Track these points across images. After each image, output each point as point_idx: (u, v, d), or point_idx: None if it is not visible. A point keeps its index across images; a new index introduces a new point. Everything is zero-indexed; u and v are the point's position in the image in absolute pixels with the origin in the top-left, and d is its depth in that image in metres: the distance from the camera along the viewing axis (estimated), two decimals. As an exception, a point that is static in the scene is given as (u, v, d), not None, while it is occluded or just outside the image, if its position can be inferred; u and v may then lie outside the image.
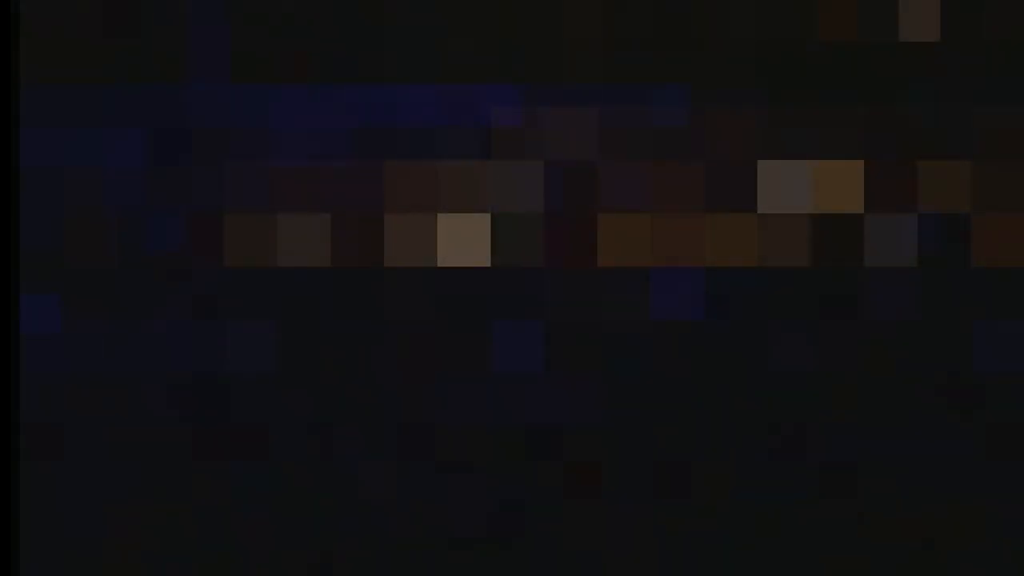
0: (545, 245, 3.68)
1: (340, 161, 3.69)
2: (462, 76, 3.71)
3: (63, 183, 3.69)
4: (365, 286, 3.68)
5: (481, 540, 3.65)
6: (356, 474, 3.66)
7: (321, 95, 3.70)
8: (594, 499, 3.66)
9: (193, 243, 3.68)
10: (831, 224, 3.67)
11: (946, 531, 3.64)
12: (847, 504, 3.64)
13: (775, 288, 3.67)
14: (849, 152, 3.68)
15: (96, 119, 3.69)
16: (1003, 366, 3.64)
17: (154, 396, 3.67)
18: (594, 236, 3.68)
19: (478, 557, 3.64)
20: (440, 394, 3.67)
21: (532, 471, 3.66)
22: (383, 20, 3.72)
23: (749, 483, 3.64)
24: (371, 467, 3.66)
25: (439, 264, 3.68)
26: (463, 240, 3.68)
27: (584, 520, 3.65)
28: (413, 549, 3.66)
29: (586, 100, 3.69)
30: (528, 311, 3.67)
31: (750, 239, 3.67)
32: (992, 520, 3.64)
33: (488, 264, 3.68)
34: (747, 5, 3.70)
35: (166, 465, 3.66)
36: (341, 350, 3.68)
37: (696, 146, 3.69)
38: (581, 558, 3.65)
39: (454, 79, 3.71)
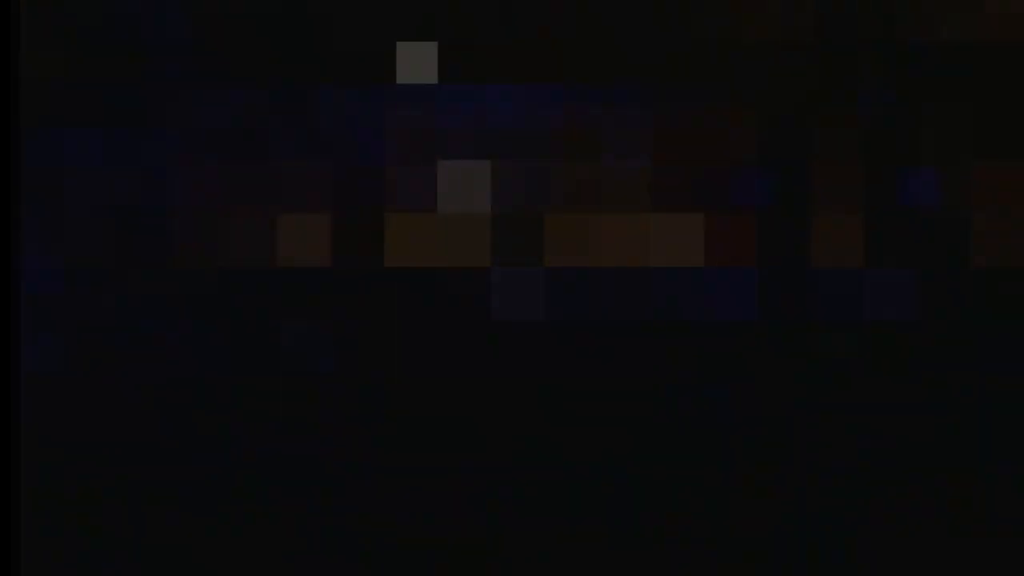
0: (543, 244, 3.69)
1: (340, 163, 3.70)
2: (467, 77, 3.71)
3: (64, 182, 3.70)
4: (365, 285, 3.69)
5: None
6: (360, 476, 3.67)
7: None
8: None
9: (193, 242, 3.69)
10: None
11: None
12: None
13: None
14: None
15: (97, 119, 3.70)
16: None
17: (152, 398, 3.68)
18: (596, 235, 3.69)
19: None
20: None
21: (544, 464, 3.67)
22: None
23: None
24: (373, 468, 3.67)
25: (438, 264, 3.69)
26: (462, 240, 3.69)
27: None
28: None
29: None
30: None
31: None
32: None
33: (488, 264, 3.69)
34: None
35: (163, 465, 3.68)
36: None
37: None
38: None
39: (455, 80, 3.72)
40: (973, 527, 3.64)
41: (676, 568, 3.65)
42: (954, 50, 3.69)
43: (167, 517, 3.66)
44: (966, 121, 3.68)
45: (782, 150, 3.68)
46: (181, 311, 3.68)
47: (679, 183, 3.69)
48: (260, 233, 3.70)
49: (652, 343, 3.67)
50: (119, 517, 3.66)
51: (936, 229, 3.67)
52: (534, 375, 3.67)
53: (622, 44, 3.71)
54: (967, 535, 3.63)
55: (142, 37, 3.71)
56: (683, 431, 3.66)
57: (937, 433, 3.65)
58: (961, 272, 3.66)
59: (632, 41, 3.71)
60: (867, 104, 3.68)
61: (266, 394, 3.68)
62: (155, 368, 3.68)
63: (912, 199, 3.67)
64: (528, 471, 3.66)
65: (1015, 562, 3.63)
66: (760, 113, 3.69)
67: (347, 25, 3.72)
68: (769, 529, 3.65)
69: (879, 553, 3.64)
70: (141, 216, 3.70)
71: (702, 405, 3.66)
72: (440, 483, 3.67)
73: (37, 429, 3.68)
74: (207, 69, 3.71)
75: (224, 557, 3.66)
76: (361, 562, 3.65)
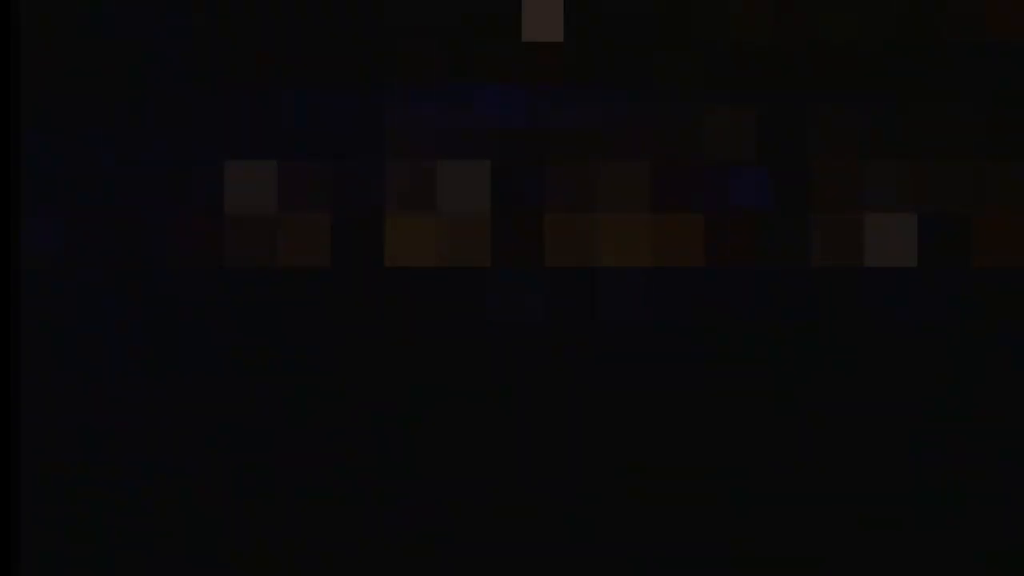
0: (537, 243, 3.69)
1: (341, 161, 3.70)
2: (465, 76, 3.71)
3: (64, 182, 3.70)
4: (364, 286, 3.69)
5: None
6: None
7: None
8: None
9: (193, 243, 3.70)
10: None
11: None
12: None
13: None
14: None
15: (96, 119, 3.70)
16: None
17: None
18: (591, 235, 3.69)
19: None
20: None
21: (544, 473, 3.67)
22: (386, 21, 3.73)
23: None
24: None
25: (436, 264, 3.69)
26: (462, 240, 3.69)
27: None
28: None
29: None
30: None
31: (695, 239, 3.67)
32: None
33: (488, 265, 3.69)
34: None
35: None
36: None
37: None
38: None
39: (456, 80, 3.72)
40: (973, 527, 3.63)
41: (677, 570, 3.65)
42: (955, 50, 3.69)
43: (165, 519, 3.67)
44: (966, 121, 3.68)
45: (782, 150, 3.68)
46: (181, 311, 3.68)
47: (679, 183, 3.69)
48: (260, 233, 3.70)
49: (652, 343, 3.67)
50: (123, 519, 3.67)
51: (935, 229, 3.67)
52: (534, 376, 3.67)
53: (622, 44, 3.71)
54: (967, 535, 3.63)
55: (142, 36, 3.71)
56: (683, 431, 3.66)
57: (937, 433, 3.65)
58: (961, 272, 3.66)
59: (632, 41, 3.71)
60: (867, 104, 3.68)
61: (266, 394, 3.68)
62: (154, 370, 3.68)
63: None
64: (527, 471, 3.66)
65: (1017, 562, 3.63)
66: (760, 113, 3.69)
67: (347, 24, 3.72)
68: (769, 531, 3.64)
69: (880, 554, 3.64)
70: (141, 216, 3.70)
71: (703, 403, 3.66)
72: (437, 485, 3.67)
73: (37, 431, 3.68)
74: (207, 69, 3.71)
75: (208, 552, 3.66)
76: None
